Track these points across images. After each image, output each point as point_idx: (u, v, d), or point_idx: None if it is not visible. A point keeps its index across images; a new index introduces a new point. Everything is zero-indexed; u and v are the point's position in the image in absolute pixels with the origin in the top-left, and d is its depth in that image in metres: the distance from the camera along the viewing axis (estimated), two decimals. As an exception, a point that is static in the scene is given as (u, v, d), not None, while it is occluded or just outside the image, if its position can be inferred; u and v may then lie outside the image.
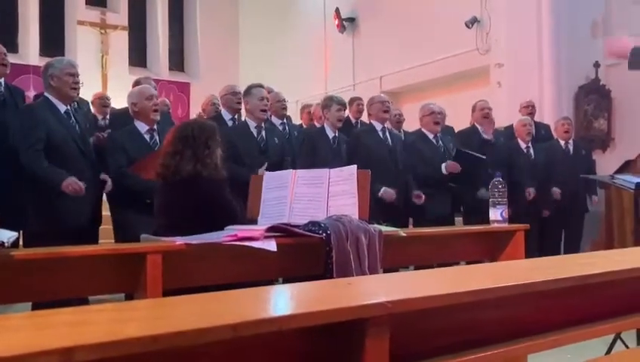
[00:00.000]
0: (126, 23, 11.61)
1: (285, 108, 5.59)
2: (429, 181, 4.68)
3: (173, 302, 1.01)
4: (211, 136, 2.52)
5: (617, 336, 2.88)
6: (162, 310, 0.94)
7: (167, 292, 2.05)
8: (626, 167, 5.52)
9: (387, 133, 4.80)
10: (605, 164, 6.25)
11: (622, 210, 5.73)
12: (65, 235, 3.01)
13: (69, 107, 3.54)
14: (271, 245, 2.03)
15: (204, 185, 2.43)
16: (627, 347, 2.81)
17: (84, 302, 3.16)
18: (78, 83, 3.55)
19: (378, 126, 4.78)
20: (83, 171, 3.42)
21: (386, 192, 4.39)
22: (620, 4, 6.83)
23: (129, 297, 2.56)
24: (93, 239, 4.00)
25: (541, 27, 6.72)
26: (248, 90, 4.19)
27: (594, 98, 6.85)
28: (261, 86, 4.29)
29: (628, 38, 3.00)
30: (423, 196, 4.59)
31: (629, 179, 3.31)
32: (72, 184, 3.24)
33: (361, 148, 4.54)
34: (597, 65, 6.80)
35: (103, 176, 3.68)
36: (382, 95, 5.14)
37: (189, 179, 2.43)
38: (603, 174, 5.30)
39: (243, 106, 4.39)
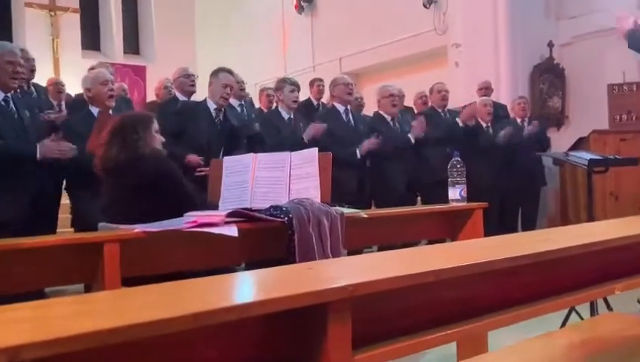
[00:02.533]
0: (77, 5, 11.24)
1: (244, 90, 5.53)
2: (398, 151, 4.75)
3: (132, 292, 0.99)
4: (141, 123, 2.55)
5: (572, 309, 2.98)
6: (120, 301, 0.92)
7: (127, 281, 2.02)
8: (579, 144, 5.68)
9: (350, 115, 4.81)
10: (560, 141, 6.41)
11: (576, 185, 5.90)
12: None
13: (9, 95, 3.39)
14: (232, 230, 2.01)
15: (149, 164, 2.45)
16: (582, 318, 2.91)
17: (40, 294, 3.08)
18: (19, 73, 3.38)
19: (341, 108, 4.77)
20: (22, 161, 3.29)
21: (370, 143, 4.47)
22: (573, -16, 6.95)
23: (88, 287, 2.51)
24: (50, 228, 3.91)
25: (496, 8, 6.80)
26: (216, 73, 4.09)
27: (548, 77, 7.00)
28: (231, 73, 4.18)
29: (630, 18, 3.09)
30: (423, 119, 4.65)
31: (583, 156, 3.40)
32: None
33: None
34: (551, 44, 6.94)
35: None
36: (345, 76, 5.11)
37: (125, 162, 2.44)
38: (558, 151, 5.43)
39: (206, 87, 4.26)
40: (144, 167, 2.44)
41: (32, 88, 4.68)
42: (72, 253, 1.93)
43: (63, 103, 5.34)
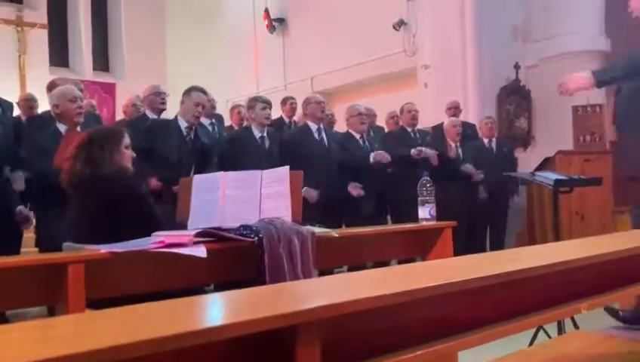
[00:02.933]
0: (45, 20, 11.08)
1: (214, 108, 5.50)
2: (358, 172, 4.81)
3: (96, 316, 0.96)
4: (109, 139, 2.49)
5: (540, 327, 3.01)
6: (83, 326, 0.89)
7: (93, 303, 1.97)
8: (545, 164, 5.80)
9: (323, 134, 4.82)
10: (527, 161, 6.54)
11: (542, 205, 6.00)
12: None
13: None
14: (200, 251, 1.98)
15: (111, 185, 2.37)
16: (549, 337, 2.94)
17: (1, 317, 2.99)
18: None
19: (314, 126, 4.78)
20: None
21: (308, 192, 4.39)
22: (538, 9, 7.16)
23: (51, 309, 2.44)
24: (13, 248, 3.81)
25: (465, 31, 6.95)
26: (188, 91, 4.06)
27: (515, 98, 7.16)
28: (204, 92, 4.15)
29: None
30: (360, 188, 4.68)
31: (549, 176, 3.46)
32: None
33: (297, 149, 4.53)
34: (517, 66, 7.10)
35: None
36: (318, 95, 5.15)
37: (93, 181, 2.37)
38: (524, 171, 5.53)
39: (177, 105, 4.23)
40: (108, 186, 2.37)
41: None
42: (35, 274, 1.87)
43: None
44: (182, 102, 4.06)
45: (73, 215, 2.45)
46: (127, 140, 2.55)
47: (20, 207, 3.61)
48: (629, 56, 3.27)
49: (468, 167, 5.54)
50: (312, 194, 4.42)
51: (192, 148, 4.02)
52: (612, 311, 3.28)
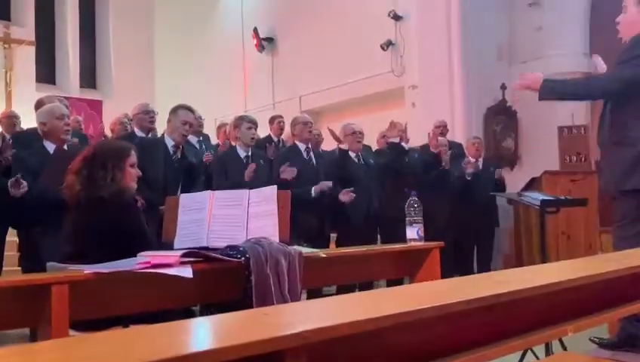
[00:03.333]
0: (33, 37, 11.05)
1: (202, 126, 5.50)
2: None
3: (78, 341, 0.94)
4: (113, 157, 2.39)
5: (528, 349, 3.00)
6: (65, 352, 0.87)
7: (77, 324, 1.94)
8: (532, 184, 5.83)
9: (311, 153, 4.84)
10: (513, 181, 6.58)
11: (529, 225, 6.03)
12: None
13: None
14: (186, 271, 1.96)
15: (107, 210, 2.30)
16: (537, 358, 2.94)
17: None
18: None
19: (302, 146, 4.80)
20: None
21: (322, 185, 4.44)
22: (523, 30, 7.27)
23: (33, 331, 2.40)
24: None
25: (451, 51, 7.03)
26: (175, 110, 4.05)
27: (502, 119, 7.23)
28: (190, 110, 4.13)
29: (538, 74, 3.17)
30: (352, 192, 4.66)
31: (535, 196, 3.48)
32: None
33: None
34: (503, 87, 7.19)
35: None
36: (305, 115, 5.17)
37: (90, 204, 2.30)
38: (511, 191, 5.57)
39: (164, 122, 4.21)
40: (103, 211, 2.29)
41: None
42: (18, 295, 1.84)
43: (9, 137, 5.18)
44: (168, 121, 4.05)
45: (68, 231, 2.39)
46: (132, 158, 2.46)
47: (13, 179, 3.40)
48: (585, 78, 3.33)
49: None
50: (328, 184, 4.52)
51: (178, 166, 4.00)
52: (595, 341, 3.29)
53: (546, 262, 3.11)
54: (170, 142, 4.00)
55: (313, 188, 4.54)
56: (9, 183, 3.20)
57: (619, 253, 2.37)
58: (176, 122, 3.99)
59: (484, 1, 7.21)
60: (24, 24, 11.05)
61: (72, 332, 1.89)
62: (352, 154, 5.00)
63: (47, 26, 11.65)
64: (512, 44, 7.35)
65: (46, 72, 11.56)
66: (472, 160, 5.74)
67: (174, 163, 3.99)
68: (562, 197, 3.87)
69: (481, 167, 6.00)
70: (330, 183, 4.56)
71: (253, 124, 4.52)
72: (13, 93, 10.50)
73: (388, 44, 7.91)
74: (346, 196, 4.66)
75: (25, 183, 3.22)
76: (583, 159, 6.55)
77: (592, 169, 6.41)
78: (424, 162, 5.55)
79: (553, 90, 3.16)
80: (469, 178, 5.63)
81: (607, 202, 4.26)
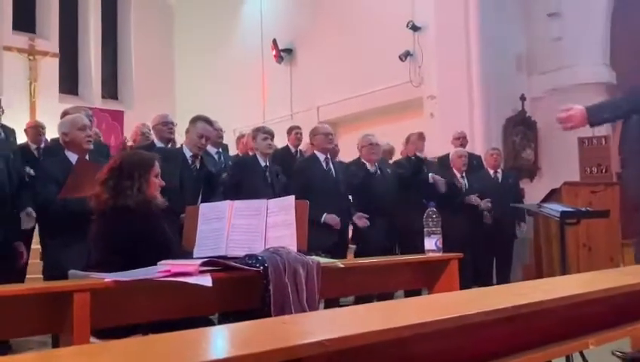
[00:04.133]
0: (57, 49, 11.28)
1: (222, 138, 5.54)
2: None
3: (99, 348, 0.96)
4: (139, 168, 2.43)
5: None
6: (86, 358, 0.89)
7: (98, 332, 1.96)
8: (551, 195, 5.77)
9: (330, 164, 4.85)
10: (533, 192, 6.52)
11: (549, 236, 5.96)
12: None
13: None
14: (206, 280, 1.98)
15: (133, 219, 2.32)
16: (558, 371, 2.89)
17: (5, 345, 2.97)
18: None
19: (321, 156, 4.82)
20: None
21: (331, 218, 4.45)
22: (542, 41, 7.23)
23: (55, 338, 2.42)
24: (19, 275, 3.81)
25: (470, 62, 7.01)
26: (194, 121, 4.09)
27: (521, 129, 7.18)
28: (209, 122, 4.17)
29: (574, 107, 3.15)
30: (366, 219, 4.67)
31: (555, 208, 3.45)
32: None
33: (304, 179, 4.56)
34: (523, 98, 7.14)
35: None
36: (326, 126, 5.18)
37: (116, 212, 2.33)
38: (531, 202, 5.52)
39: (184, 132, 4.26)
40: (129, 221, 2.31)
41: (0, 129, 4.58)
42: (40, 302, 1.87)
43: (42, 147, 5.27)
44: (187, 131, 4.10)
45: (93, 239, 2.42)
46: (156, 169, 2.49)
47: (18, 243, 3.63)
48: (630, 93, 3.29)
49: (473, 199, 5.53)
50: (334, 218, 4.49)
51: (197, 176, 4.04)
52: (618, 354, 3.24)
53: (566, 274, 3.07)
54: (188, 153, 4.04)
55: (324, 216, 4.53)
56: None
57: (641, 266, 2.33)
58: (194, 135, 4.03)
59: (503, 11, 7.19)
60: (48, 36, 11.27)
61: (92, 339, 1.91)
62: (368, 165, 5.00)
63: (70, 38, 11.88)
64: (531, 55, 7.31)
65: (69, 83, 11.77)
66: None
67: (192, 172, 4.02)
68: (583, 209, 3.83)
69: (500, 178, 5.96)
70: (337, 221, 4.54)
71: (270, 134, 4.56)
72: (37, 104, 10.70)
73: (406, 55, 7.92)
74: (360, 221, 4.72)
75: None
76: (604, 170, 6.47)
77: (612, 180, 6.32)
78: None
79: (599, 121, 3.18)
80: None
81: (630, 214, 4.19)
